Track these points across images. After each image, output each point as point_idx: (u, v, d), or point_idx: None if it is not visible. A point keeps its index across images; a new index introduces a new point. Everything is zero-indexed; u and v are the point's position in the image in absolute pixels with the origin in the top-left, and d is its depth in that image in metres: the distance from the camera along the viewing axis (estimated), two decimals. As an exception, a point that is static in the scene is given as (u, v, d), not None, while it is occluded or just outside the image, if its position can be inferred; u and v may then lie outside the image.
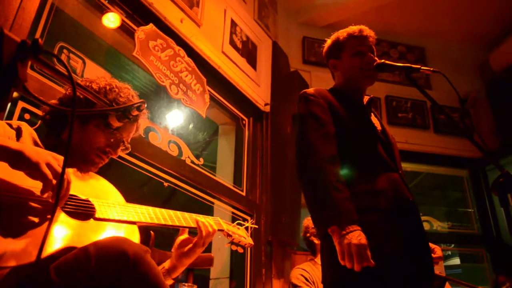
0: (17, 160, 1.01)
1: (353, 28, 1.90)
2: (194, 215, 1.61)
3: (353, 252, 1.40)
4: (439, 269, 2.23)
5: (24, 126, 1.35)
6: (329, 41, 1.98)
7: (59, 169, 1.04)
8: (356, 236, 1.42)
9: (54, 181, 1.04)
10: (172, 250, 1.63)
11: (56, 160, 1.07)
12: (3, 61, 0.68)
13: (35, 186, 1.10)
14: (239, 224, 1.82)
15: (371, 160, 1.70)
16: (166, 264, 1.60)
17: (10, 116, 1.90)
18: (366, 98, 1.92)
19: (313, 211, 1.61)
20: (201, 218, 1.61)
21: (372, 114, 1.90)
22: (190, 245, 1.57)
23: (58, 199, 0.81)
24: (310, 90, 1.83)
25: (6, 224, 1.02)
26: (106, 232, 1.25)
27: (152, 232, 1.73)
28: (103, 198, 1.36)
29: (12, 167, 1.01)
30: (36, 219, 1.09)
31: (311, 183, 1.60)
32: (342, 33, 1.92)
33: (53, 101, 1.46)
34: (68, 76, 0.82)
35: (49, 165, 1.04)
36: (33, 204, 1.11)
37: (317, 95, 1.79)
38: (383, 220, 1.56)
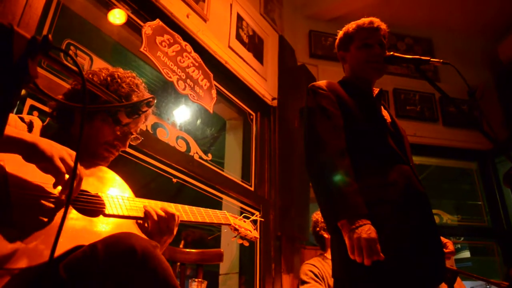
0: (31, 152, 1.01)
1: (364, 20, 1.88)
2: (202, 209, 1.58)
3: (362, 246, 1.39)
4: (450, 263, 2.22)
5: (36, 120, 1.35)
6: (340, 33, 1.96)
7: (72, 164, 1.04)
8: (366, 230, 1.41)
9: (67, 176, 1.04)
10: None
11: (70, 155, 1.07)
12: (14, 57, 0.68)
13: (45, 181, 1.10)
14: (245, 217, 1.81)
15: (381, 152, 1.68)
16: None
17: (18, 114, 1.90)
18: (376, 90, 1.90)
19: (322, 204, 1.60)
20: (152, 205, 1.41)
21: (381, 106, 1.88)
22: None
23: (71, 196, 0.81)
24: (319, 82, 1.81)
25: (18, 222, 1.02)
26: (116, 228, 1.24)
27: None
28: (112, 191, 1.34)
29: (25, 160, 1.01)
30: (46, 216, 1.08)
31: (320, 177, 1.59)
32: (352, 25, 1.90)
33: (59, 97, 1.45)
34: (78, 72, 0.81)
35: (62, 160, 1.04)
36: (44, 201, 1.10)
37: (325, 87, 1.77)
38: (394, 212, 1.54)
